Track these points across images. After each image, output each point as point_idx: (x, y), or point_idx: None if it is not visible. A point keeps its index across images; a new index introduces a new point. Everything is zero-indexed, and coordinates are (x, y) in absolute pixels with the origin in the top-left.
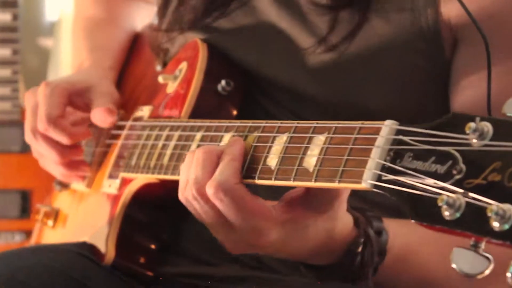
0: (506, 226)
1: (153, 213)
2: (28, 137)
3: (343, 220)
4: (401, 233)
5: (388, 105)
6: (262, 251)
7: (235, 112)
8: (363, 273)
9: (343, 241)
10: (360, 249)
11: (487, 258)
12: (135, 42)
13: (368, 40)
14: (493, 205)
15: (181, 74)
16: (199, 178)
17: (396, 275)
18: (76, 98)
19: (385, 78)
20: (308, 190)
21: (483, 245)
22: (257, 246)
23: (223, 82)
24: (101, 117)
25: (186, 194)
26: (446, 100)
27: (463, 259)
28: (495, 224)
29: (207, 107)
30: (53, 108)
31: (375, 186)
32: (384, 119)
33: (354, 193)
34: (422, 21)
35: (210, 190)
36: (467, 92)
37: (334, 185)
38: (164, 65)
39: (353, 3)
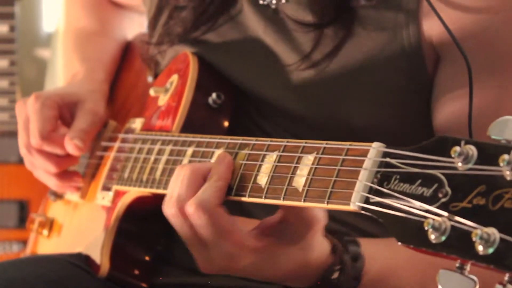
0: (491, 250)
1: (146, 225)
2: (22, 152)
3: (318, 249)
4: (381, 255)
5: (372, 122)
6: (233, 274)
7: (226, 125)
8: None
9: (319, 268)
10: (335, 275)
11: (473, 280)
12: (127, 50)
13: (350, 58)
14: (477, 229)
15: (172, 87)
16: (181, 196)
17: None
18: (64, 110)
19: (368, 95)
20: (283, 219)
21: (468, 267)
22: (228, 269)
23: (213, 95)
24: (68, 147)
25: (167, 210)
26: (428, 116)
27: (449, 281)
28: (480, 248)
29: (198, 120)
30: (45, 123)
31: (363, 208)
32: (368, 135)
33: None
34: (403, 40)
35: (190, 208)
36: (448, 109)
37: (323, 205)
38: (155, 76)
39: (337, 21)
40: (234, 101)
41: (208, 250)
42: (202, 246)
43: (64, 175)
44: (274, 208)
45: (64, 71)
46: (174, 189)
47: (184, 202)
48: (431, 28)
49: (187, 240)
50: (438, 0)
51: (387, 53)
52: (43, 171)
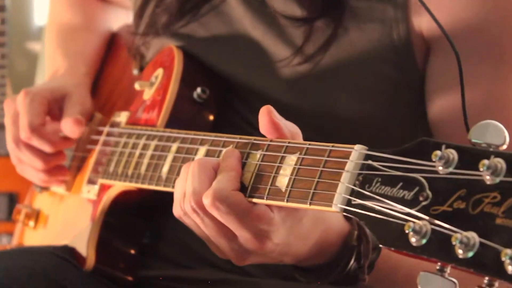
0: (470, 254)
1: (131, 219)
2: (10, 146)
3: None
4: None
5: (362, 114)
6: (267, 257)
7: (212, 120)
8: (360, 270)
9: (339, 233)
10: (355, 242)
11: (453, 282)
12: (112, 42)
13: (341, 51)
14: (457, 233)
15: (157, 81)
16: (196, 189)
17: (394, 271)
18: (53, 105)
19: (358, 88)
20: None
21: (448, 269)
22: (263, 252)
23: (198, 90)
24: (70, 127)
25: (184, 207)
26: (420, 109)
27: (429, 282)
28: (460, 252)
29: (184, 114)
30: (35, 116)
31: (345, 210)
32: (359, 129)
33: None
34: (393, 33)
35: (206, 200)
36: (441, 100)
37: (306, 206)
38: (141, 69)
39: (327, 14)
40: (220, 96)
41: (236, 239)
42: (229, 238)
43: (51, 170)
44: None
45: (47, 65)
46: (185, 186)
47: (200, 196)
48: (421, 21)
49: (211, 236)
50: None
51: (376, 45)
52: (29, 166)
